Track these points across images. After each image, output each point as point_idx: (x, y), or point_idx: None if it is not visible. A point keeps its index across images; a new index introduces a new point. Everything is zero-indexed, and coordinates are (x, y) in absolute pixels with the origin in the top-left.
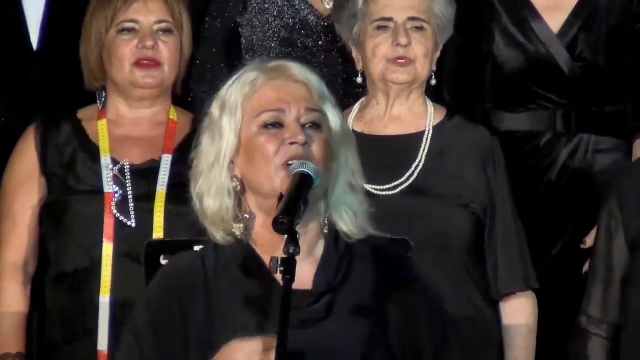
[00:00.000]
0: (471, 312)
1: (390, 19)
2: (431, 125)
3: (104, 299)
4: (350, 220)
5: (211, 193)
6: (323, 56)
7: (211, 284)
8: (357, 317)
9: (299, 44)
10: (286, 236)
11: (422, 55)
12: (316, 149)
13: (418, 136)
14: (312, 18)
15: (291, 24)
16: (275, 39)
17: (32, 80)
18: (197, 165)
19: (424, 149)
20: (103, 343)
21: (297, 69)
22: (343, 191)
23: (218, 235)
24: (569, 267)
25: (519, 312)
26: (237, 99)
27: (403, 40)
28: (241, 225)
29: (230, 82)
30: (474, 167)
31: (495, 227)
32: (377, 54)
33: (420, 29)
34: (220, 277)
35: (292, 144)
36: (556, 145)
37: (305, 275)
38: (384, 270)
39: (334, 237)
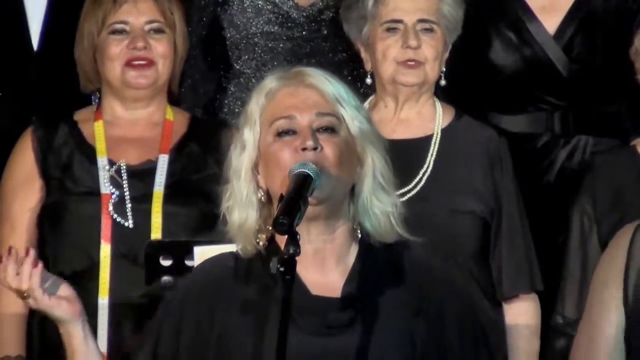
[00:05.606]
0: None
1: (399, 21)
2: (439, 128)
3: (102, 300)
4: (379, 223)
5: (238, 206)
6: (309, 47)
7: (237, 288)
8: (384, 327)
9: (284, 37)
10: (286, 236)
11: (432, 58)
12: (329, 152)
13: (426, 140)
14: (293, 10)
15: (273, 19)
16: (259, 34)
17: (32, 81)
18: (226, 179)
19: (431, 154)
20: (102, 344)
21: (310, 74)
22: (371, 194)
23: (242, 247)
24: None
25: (521, 315)
26: (254, 111)
27: (413, 43)
28: (264, 236)
29: (252, 94)
30: (481, 169)
31: (501, 229)
32: (387, 57)
33: (429, 30)
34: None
35: (303, 150)
36: (554, 146)
37: (335, 284)
38: (417, 279)
39: (366, 243)
